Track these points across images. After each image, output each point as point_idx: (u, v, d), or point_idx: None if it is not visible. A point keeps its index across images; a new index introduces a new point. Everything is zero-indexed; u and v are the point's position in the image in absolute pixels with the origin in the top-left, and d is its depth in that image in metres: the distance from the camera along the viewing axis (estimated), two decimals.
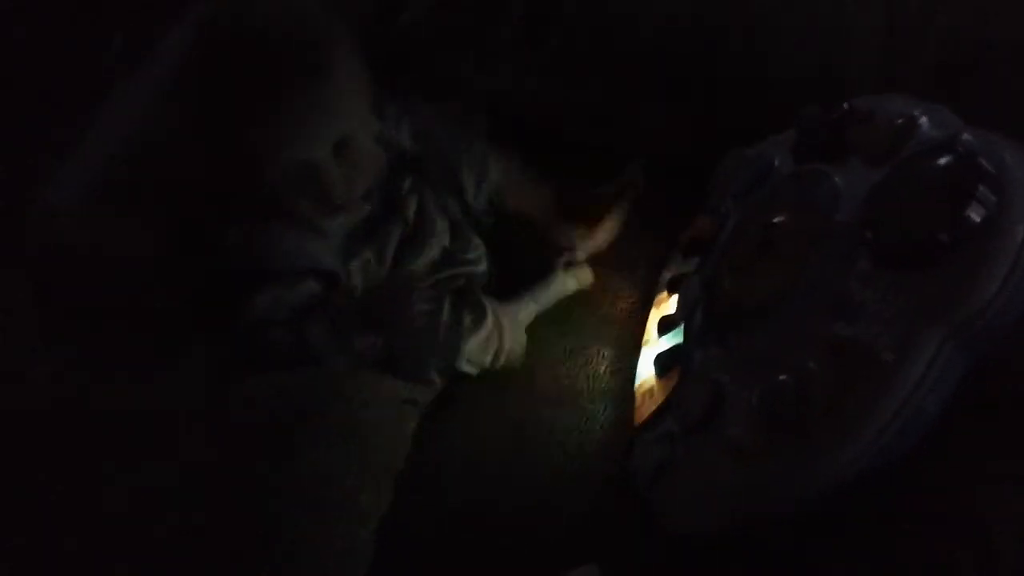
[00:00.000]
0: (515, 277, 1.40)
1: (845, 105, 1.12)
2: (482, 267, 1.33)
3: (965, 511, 0.88)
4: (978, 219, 0.88)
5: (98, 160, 1.10)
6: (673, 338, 1.24)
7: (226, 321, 1.04)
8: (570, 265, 1.41)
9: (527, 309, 1.38)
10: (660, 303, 1.33)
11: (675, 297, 1.29)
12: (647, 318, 1.34)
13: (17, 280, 1.03)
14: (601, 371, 1.36)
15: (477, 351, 1.28)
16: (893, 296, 0.91)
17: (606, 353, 1.37)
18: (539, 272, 1.41)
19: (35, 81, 1.06)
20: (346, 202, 1.03)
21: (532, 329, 1.38)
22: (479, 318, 1.27)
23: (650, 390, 1.25)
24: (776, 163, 1.20)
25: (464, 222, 1.28)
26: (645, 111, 1.35)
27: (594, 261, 1.44)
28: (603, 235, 1.43)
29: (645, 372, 1.28)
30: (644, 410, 1.24)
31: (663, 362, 1.23)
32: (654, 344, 1.29)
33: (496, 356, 1.31)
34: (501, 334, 1.30)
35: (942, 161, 0.95)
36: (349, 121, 0.98)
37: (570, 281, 1.40)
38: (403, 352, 1.21)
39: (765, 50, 1.26)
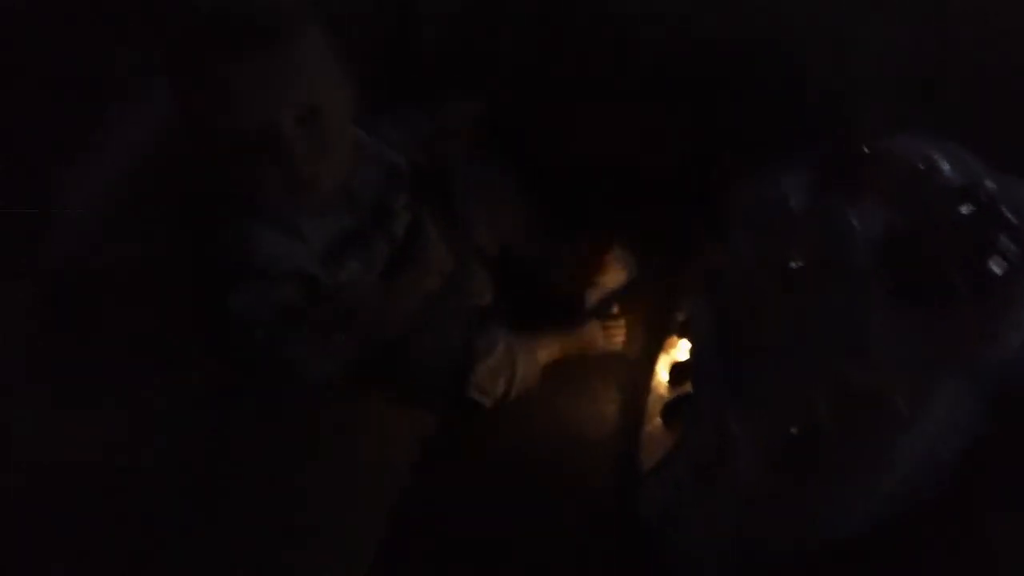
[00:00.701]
0: (527, 310, 1.38)
1: (864, 146, 1.10)
2: (487, 297, 1.31)
3: (975, 540, 0.87)
4: (999, 271, 0.86)
5: (108, 170, 1.10)
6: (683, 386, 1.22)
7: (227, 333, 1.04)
8: (606, 320, 1.40)
9: (548, 348, 1.36)
10: (671, 347, 1.31)
11: (686, 341, 1.26)
12: (657, 360, 1.32)
13: (21, 289, 1.02)
14: (609, 413, 1.34)
15: (487, 378, 1.25)
16: (909, 341, 0.89)
17: (614, 396, 1.35)
18: (559, 309, 1.41)
19: (47, 91, 1.07)
20: (314, 183, 1.00)
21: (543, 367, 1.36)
22: (490, 345, 1.25)
23: (658, 434, 1.23)
24: (791, 200, 1.18)
25: (466, 248, 1.27)
26: (647, 127, 1.34)
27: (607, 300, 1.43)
28: (607, 283, 1.42)
29: (653, 415, 1.26)
30: (652, 453, 1.22)
31: (672, 410, 1.21)
32: (663, 388, 1.27)
33: (508, 386, 1.28)
34: (514, 364, 1.28)
35: (963, 209, 0.93)
36: (316, 90, 0.97)
37: (600, 337, 1.39)
38: (411, 376, 1.20)
39: (769, 67, 1.25)
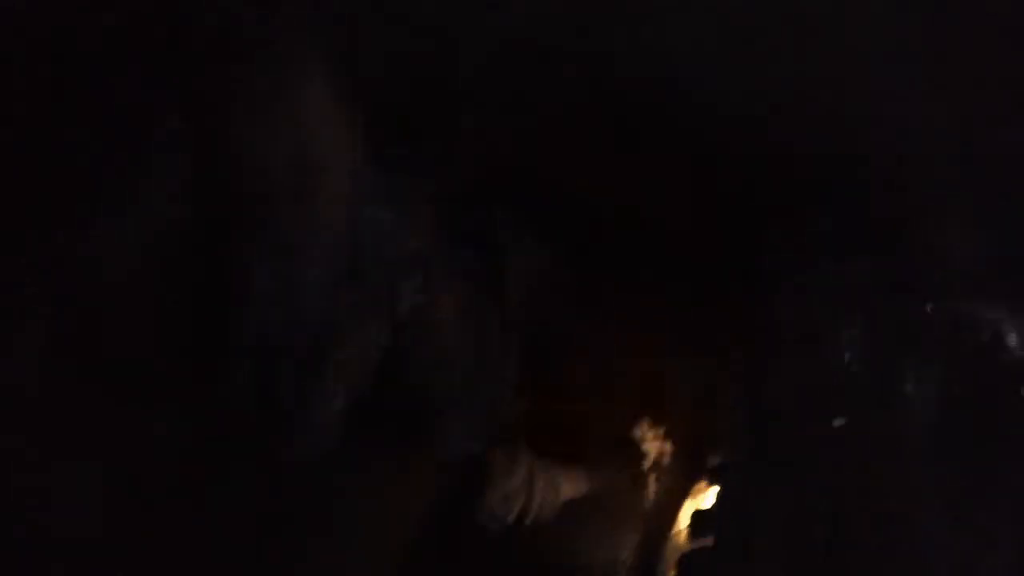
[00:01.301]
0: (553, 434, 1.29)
1: (928, 306, 1.02)
2: (509, 383, 1.24)
3: None
4: None
5: (141, 222, 1.11)
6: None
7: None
8: (640, 469, 1.33)
9: (574, 482, 1.27)
10: (697, 492, 1.23)
11: (715, 488, 1.17)
12: (681, 505, 1.23)
13: (40, 330, 1.03)
14: (623, 556, 1.25)
15: (500, 502, 1.17)
16: (956, 513, 0.83)
17: (630, 538, 1.27)
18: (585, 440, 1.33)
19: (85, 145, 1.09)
20: (304, 237, 0.98)
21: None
22: (510, 466, 1.18)
23: None
24: (847, 356, 1.09)
25: (490, 322, 1.22)
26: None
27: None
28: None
29: (670, 567, 1.17)
30: None
31: (688, 565, 1.12)
32: (683, 538, 1.18)
33: (521, 516, 1.19)
34: (531, 490, 1.19)
35: None
36: (314, 135, 0.95)
37: (626, 476, 1.32)
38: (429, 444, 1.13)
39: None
